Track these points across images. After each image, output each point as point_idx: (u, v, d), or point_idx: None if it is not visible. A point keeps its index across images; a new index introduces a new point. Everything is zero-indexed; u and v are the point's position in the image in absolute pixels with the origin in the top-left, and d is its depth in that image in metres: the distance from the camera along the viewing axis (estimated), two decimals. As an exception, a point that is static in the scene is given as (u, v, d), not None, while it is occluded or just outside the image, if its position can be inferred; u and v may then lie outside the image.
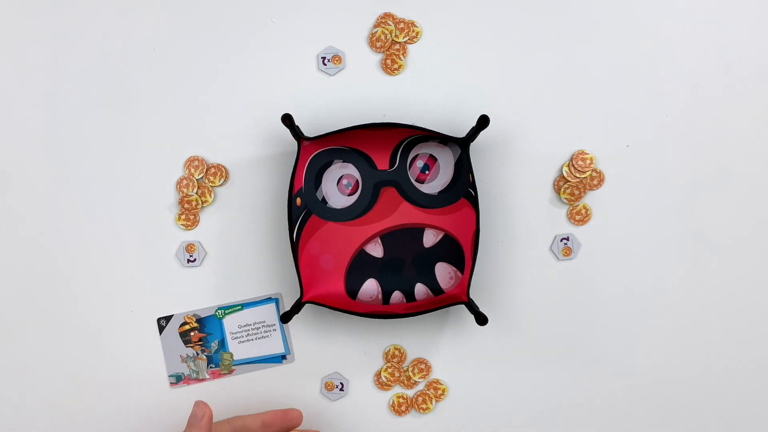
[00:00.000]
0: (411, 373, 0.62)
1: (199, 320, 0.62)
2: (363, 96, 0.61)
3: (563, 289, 0.62)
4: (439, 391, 0.62)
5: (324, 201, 0.60)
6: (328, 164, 0.60)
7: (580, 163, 0.60)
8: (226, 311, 0.62)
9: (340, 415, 0.63)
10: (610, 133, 0.61)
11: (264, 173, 0.62)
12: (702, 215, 0.61)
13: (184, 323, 0.62)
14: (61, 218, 0.62)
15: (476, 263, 0.57)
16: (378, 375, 0.62)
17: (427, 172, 0.60)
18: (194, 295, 0.62)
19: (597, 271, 0.61)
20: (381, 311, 0.58)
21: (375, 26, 0.61)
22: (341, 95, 0.61)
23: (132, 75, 0.62)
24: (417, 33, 0.61)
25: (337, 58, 0.61)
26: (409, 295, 0.60)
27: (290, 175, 0.58)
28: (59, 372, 0.62)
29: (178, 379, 0.62)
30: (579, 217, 0.61)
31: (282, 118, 0.55)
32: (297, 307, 0.57)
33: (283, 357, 0.62)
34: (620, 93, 0.61)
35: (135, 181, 0.62)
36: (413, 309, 0.58)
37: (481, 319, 0.55)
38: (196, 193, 0.62)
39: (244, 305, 0.62)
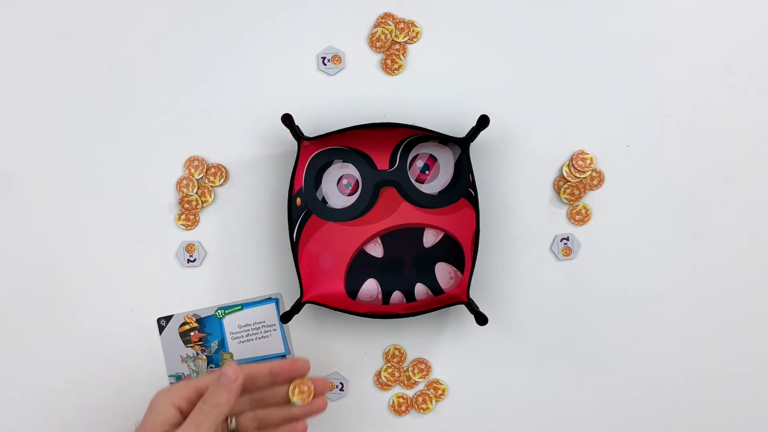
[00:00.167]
0: (411, 373, 0.62)
1: (199, 320, 0.62)
2: (363, 96, 0.61)
3: (563, 289, 0.62)
4: (439, 391, 0.62)
5: (324, 201, 0.60)
6: (328, 164, 0.60)
7: (580, 163, 0.60)
8: (226, 311, 0.62)
9: (340, 415, 0.63)
10: (610, 133, 0.61)
11: (264, 173, 0.62)
12: (702, 215, 0.61)
13: (184, 323, 0.62)
14: (62, 218, 0.62)
15: (476, 263, 0.57)
16: (378, 375, 0.62)
17: (427, 172, 0.60)
18: (194, 295, 0.62)
19: (597, 271, 0.61)
20: (381, 311, 0.58)
21: (375, 26, 0.61)
22: (341, 95, 0.61)
23: (132, 75, 0.62)
24: (417, 33, 0.61)
25: (337, 58, 0.61)
26: (409, 295, 0.60)
27: (290, 175, 0.58)
28: (59, 372, 0.62)
29: (178, 379, 0.62)
30: (579, 217, 0.61)
31: (282, 118, 0.55)
32: (297, 307, 0.57)
33: (283, 357, 0.62)
34: (620, 93, 0.61)
35: (135, 181, 0.62)
36: (413, 309, 0.58)
37: (481, 319, 0.55)
38: (196, 193, 0.62)
39: (244, 305, 0.62)
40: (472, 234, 0.58)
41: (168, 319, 0.62)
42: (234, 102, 0.62)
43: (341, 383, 0.62)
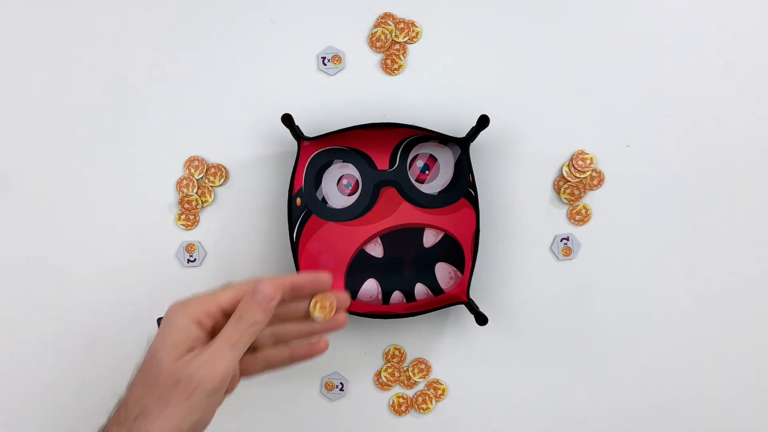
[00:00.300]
0: (411, 373, 0.62)
1: (199, 320, 0.62)
2: (363, 96, 0.61)
3: (563, 289, 0.62)
4: (439, 391, 0.62)
5: (324, 201, 0.60)
6: (328, 164, 0.60)
7: (580, 163, 0.60)
8: (226, 311, 0.62)
9: (340, 415, 0.63)
10: (610, 133, 0.61)
11: (264, 173, 0.62)
12: (702, 215, 0.61)
13: (184, 323, 0.62)
14: (62, 218, 0.62)
15: (476, 263, 0.57)
16: (378, 375, 0.62)
17: (427, 172, 0.60)
18: (194, 295, 0.62)
19: (597, 271, 0.61)
20: (381, 311, 0.58)
21: (375, 26, 0.61)
22: (341, 95, 0.61)
23: (132, 75, 0.62)
24: (417, 33, 0.61)
25: (337, 58, 0.61)
26: (409, 295, 0.60)
27: (290, 175, 0.58)
28: (59, 372, 0.62)
29: (178, 379, 0.62)
30: (579, 217, 0.61)
31: (282, 118, 0.55)
32: (297, 307, 0.56)
33: (283, 357, 0.62)
34: (620, 93, 0.61)
35: (135, 181, 0.62)
36: (413, 309, 0.58)
37: (481, 319, 0.55)
38: (196, 193, 0.62)
39: (244, 305, 0.62)
40: (472, 234, 0.58)
41: (168, 319, 0.62)
42: (234, 102, 0.62)
43: (341, 383, 0.62)
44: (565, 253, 0.61)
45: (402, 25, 0.61)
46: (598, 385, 0.62)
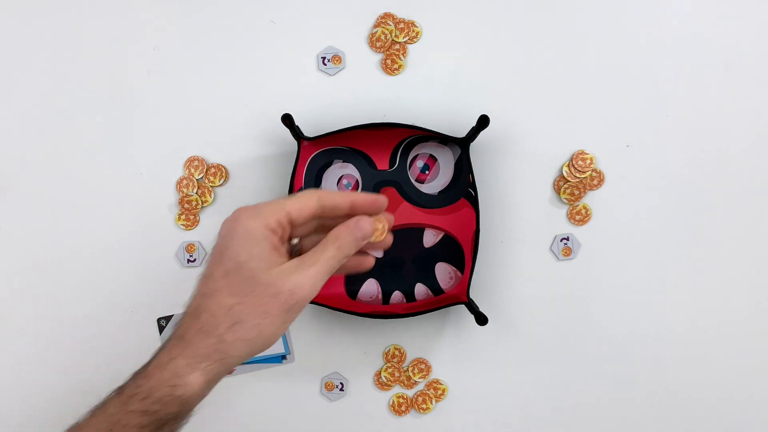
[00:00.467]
0: (411, 373, 0.62)
1: (199, 320, 0.62)
2: (363, 96, 0.61)
3: (563, 289, 0.62)
4: (439, 391, 0.62)
5: (324, 201, 0.60)
6: (328, 164, 0.60)
7: (580, 163, 0.60)
8: (226, 311, 0.62)
9: (340, 415, 0.63)
10: (610, 133, 0.61)
11: (264, 173, 0.62)
12: (702, 214, 0.61)
13: (184, 323, 0.62)
14: (61, 218, 0.62)
15: (476, 263, 0.57)
16: (378, 375, 0.62)
17: (427, 172, 0.60)
18: (194, 295, 0.62)
19: (597, 271, 0.61)
20: (381, 311, 0.58)
21: (375, 26, 0.61)
22: (341, 95, 0.61)
23: (132, 75, 0.62)
24: (417, 33, 0.61)
25: (337, 58, 0.61)
26: (409, 295, 0.60)
27: (290, 175, 0.58)
28: (59, 372, 0.62)
29: (178, 379, 0.62)
30: (579, 217, 0.61)
31: (282, 118, 0.55)
32: (297, 307, 0.56)
33: (283, 357, 0.62)
34: (620, 93, 0.61)
35: (135, 181, 0.62)
36: (413, 309, 0.58)
37: (481, 319, 0.55)
38: (196, 193, 0.62)
39: (244, 305, 0.62)
40: (472, 234, 0.58)
41: (168, 319, 0.62)
42: (234, 102, 0.62)
43: (341, 383, 0.62)
44: (565, 253, 0.61)
45: (402, 25, 0.61)
46: (598, 384, 0.62)
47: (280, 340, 0.62)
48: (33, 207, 0.62)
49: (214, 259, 0.41)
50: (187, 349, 0.40)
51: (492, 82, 0.61)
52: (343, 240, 0.43)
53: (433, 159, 0.60)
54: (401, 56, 0.61)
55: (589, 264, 0.61)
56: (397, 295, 0.60)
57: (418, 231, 0.60)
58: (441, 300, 0.59)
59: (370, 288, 0.60)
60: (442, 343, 0.62)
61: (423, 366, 0.62)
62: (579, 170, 0.60)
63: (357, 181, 0.60)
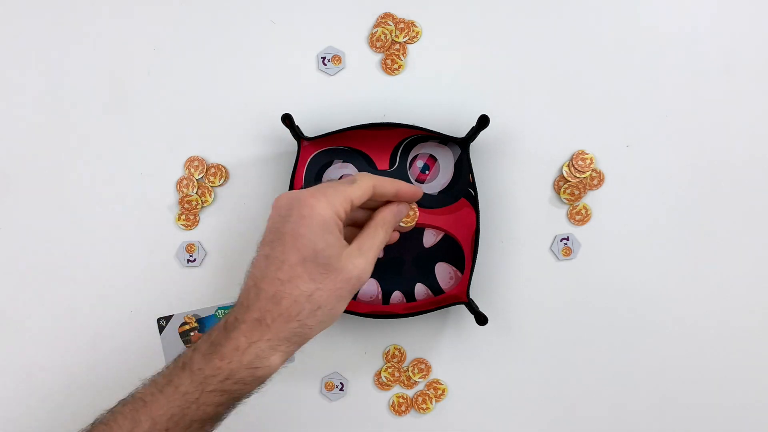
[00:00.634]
0: (411, 373, 0.62)
1: (199, 320, 0.62)
2: (363, 96, 0.61)
3: (563, 289, 0.62)
4: (439, 391, 0.62)
5: (324, 201, 0.60)
6: (328, 164, 0.60)
7: (580, 163, 0.60)
8: (226, 311, 0.62)
9: (340, 415, 0.63)
10: (610, 133, 0.61)
11: (264, 173, 0.62)
12: (702, 215, 0.61)
13: (184, 323, 0.62)
14: (61, 218, 0.62)
15: (476, 263, 0.57)
16: (378, 375, 0.62)
17: (427, 172, 0.60)
18: (194, 295, 0.62)
19: (597, 271, 0.61)
20: (381, 311, 0.58)
21: (375, 26, 0.61)
22: (341, 95, 0.61)
23: (132, 75, 0.62)
24: (417, 33, 0.61)
25: (337, 58, 0.61)
26: (409, 295, 0.60)
27: (290, 175, 0.58)
28: (59, 372, 0.62)
29: (178, 379, 0.62)
30: (579, 217, 0.61)
31: (282, 118, 0.55)
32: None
33: (283, 357, 0.62)
34: (620, 93, 0.61)
35: (135, 181, 0.62)
36: (413, 309, 0.58)
37: (481, 319, 0.55)
38: (196, 193, 0.62)
39: (244, 305, 0.62)
40: (472, 234, 0.58)
41: (168, 319, 0.62)
42: (234, 102, 0.62)
43: (341, 383, 0.62)
44: (565, 253, 0.61)
45: (402, 25, 0.61)
46: (598, 384, 0.62)
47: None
48: (33, 207, 0.62)
49: (284, 243, 0.43)
50: (268, 332, 0.43)
51: (492, 82, 0.61)
52: (389, 224, 0.48)
53: (433, 159, 0.60)
54: (401, 56, 0.61)
55: (589, 264, 0.61)
56: (397, 295, 0.60)
57: (418, 231, 0.60)
58: (441, 300, 0.59)
59: (370, 288, 0.60)
60: (442, 343, 0.62)
61: (423, 366, 0.62)
62: (579, 170, 0.60)
63: (357, 181, 0.60)
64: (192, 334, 0.62)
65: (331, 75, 0.62)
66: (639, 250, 0.61)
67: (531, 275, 0.61)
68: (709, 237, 0.61)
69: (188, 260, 0.62)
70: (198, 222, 0.62)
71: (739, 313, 0.62)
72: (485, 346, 0.62)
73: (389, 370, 0.62)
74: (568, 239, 0.61)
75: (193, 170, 0.61)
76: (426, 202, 0.60)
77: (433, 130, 0.57)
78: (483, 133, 0.57)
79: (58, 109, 0.62)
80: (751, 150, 0.61)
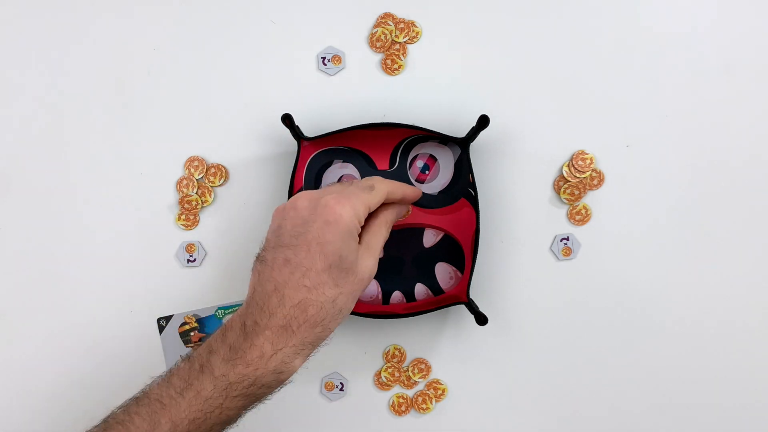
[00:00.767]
0: (411, 373, 0.62)
1: (199, 320, 0.62)
2: (363, 96, 0.61)
3: (563, 289, 0.62)
4: (439, 391, 0.62)
5: (324, 201, 0.60)
6: (328, 164, 0.60)
7: (580, 163, 0.60)
8: (226, 311, 0.62)
9: (340, 415, 0.63)
10: (610, 133, 0.61)
11: (264, 173, 0.62)
12: (702, 215, 0.61)
13: (184, 323, 0.62)
14: (61, 218, 0.62)
15: (476, 263, 0.57)
16: (378, 375, 0.62)
17: (427, 172, 0.60)
18: (194, 295, 0.62)
19: (597, 271, 0.61)
20: (381, 311, 0.58)
21: (375, 26, 0.61)
22: (341, 95, 0.61)
23: (132, 75, 0.62)
24: (417, 33, 0.61)
25: (337, 58, 0.61)
26: (409, 295, 0.60)
27: (290, 175, 0.58)
28: (59, 372, 0.62)
29: (178, 379, 0.62)
30: (579, 217, 0.61)
31: (282, 118, 0.55)
32: (297, 307, 0.56)
33: (283, 357, 0.62)
34: (620, 93, 0.61)
35: (135, 181, 0.62)
36: (413, 309, 0.58)
37: (481, 319, 0.55)
38: (196, 193, 0.62)
39: (244, 305, 0.62)
40: (472, 234, 0.58)
41: (168, 319, 0.62)
42: (234, 102, 0.62)
43: (341, 383, 0.62)
44: (565, 253, 0.61)
45: (402, 25, 0.61)
46: (598, 385, 0.62)
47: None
48: (33, 207, 0.62)
49: (309, 249, 0.44)
50: (293, 338, 0.43)
51: (492, 82, 0.61)
52: (391, 224, 0.50)
53: (433, 159, 0.60)
54: (401, 56, 0.61)
55: (589, 264, 0.61)
56: (397, 295, 0.60)
57: (418, 231, 0.60)
58: (441, 300, 0.59)
59: (370, 288, 0.60)
60: (442, 343, 0.62)
61: (423, 366, 0.62)
62: (579, 170, 0.60)
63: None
64: (192, 334, 0.62)
65: (331, 75, 0.62)
66: (639, 250, 0.61)
67: (531, 275, 0.61)
68: (709, 237, 0.61)
69: (188, 260, 0.62)
70: (198, 222, 0.62)
71: (739, 313, 0.62)
72: (485, 346, 0.62)
73: (389, 370, 0.62)
74: (568, 239, 0.61)
75: (193, 170, 0.61)
76: (426, 202, 0.60)
77: (433, 130, 0.57)
78: (483, 133, 0.57)
79: (58, 110, 0.62)
80: (751, 150, 0.61)
